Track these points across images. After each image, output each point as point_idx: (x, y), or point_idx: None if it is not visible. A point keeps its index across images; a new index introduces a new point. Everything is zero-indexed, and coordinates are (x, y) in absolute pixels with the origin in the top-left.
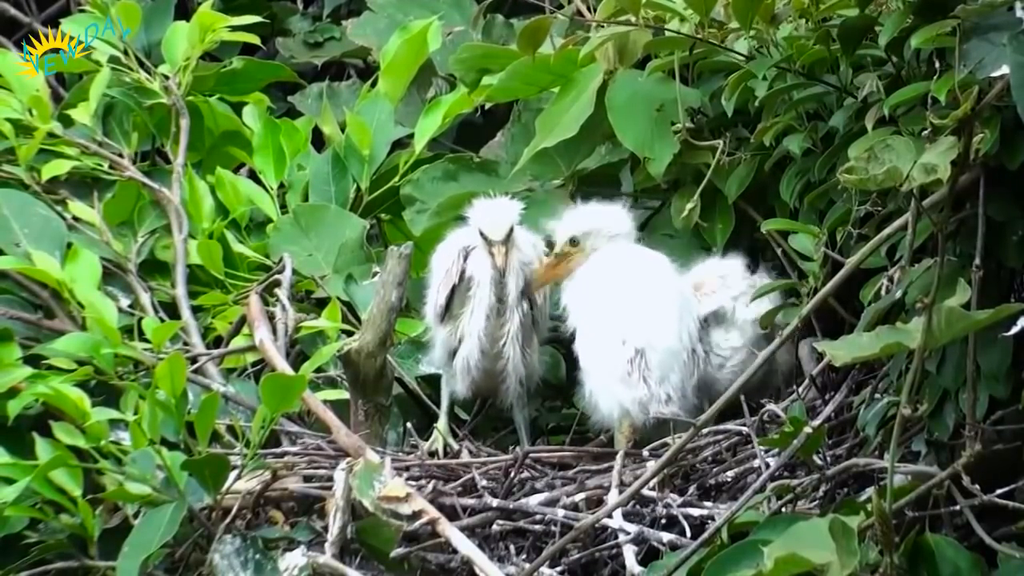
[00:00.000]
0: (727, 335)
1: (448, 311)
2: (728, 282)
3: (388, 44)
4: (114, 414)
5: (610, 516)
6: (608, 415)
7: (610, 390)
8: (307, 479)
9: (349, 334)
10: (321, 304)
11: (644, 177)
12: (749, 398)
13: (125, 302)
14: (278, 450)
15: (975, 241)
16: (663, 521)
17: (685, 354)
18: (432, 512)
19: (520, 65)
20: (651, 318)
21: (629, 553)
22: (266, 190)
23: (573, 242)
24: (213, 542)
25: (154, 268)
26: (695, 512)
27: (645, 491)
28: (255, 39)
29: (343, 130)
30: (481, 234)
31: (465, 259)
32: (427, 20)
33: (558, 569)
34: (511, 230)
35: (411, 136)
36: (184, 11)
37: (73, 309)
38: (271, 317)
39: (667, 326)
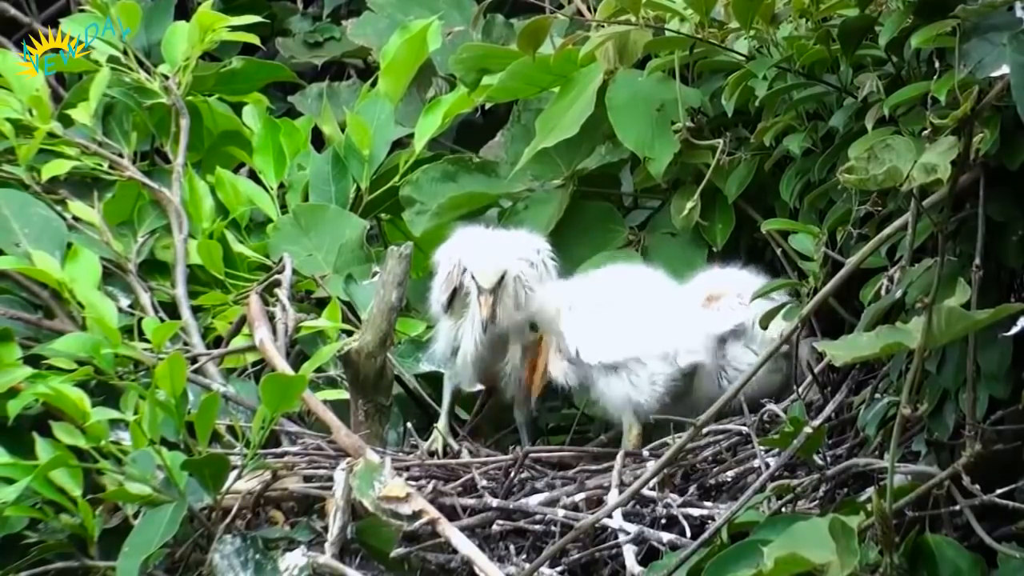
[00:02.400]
0: (745, 350)
1: (451, 307)
2: (746, 300)
3: (388, 44)
4: (114, 414)
5: (610, 516)
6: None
7: (637, 350)
8: (307, 479)
9: (349, 334)
10: (321, 304)
11: (644, 177)
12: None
13: (125, 302)
14: (278, 450)
15: (975, 241)
16: (663, 521)
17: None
18: (432, 512)
19: (520, 65)
20: (610, 287)
21: (629, 553)
22: (266, 190)
23: (533, 328)
24: (213, 542)
25: (154, 268)
26: (695, 512)
27: (645, 491)
28: (255, 39)
29: (343, 130)
30: (471, 275)
31: (463, 272)
32: (427, 20)
33: (558, 569)
34: (501, 278)
35: (411, 136)
36: (184, 11)
37: (73, 309)
38: (271, 317)
39: (626, 288)
